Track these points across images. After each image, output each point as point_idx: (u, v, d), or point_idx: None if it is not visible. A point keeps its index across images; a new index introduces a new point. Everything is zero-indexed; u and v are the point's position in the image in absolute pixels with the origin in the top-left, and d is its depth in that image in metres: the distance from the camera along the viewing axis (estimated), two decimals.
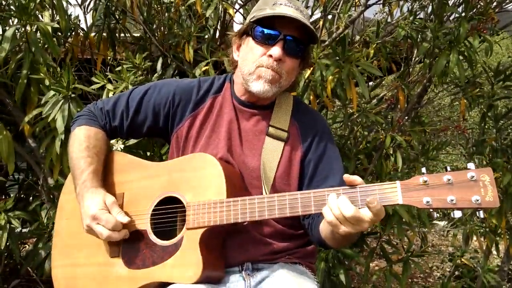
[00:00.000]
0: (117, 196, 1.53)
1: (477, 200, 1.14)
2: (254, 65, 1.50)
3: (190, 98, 1.60)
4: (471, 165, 1.18)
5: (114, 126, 1.63)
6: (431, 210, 1.20)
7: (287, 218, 1.47)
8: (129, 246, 1.47)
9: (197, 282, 1.34)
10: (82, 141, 1.55)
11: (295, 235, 1.57)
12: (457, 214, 1.19)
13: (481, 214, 1.17)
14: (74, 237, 1.56)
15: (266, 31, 1.49)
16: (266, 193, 1.48)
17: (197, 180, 1.44)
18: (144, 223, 1.47)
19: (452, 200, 1.16)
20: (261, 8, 1.52)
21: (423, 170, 1.24)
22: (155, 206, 1.48)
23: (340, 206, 1.22)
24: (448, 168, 1.22)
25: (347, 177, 1.27)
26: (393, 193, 1.22)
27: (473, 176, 1.16)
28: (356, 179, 1.26)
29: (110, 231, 1.40)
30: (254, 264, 1.49)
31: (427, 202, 1.18)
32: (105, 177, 1.56)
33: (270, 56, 1.48)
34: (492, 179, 1.15)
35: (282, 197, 1.33)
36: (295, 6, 1.50)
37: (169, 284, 1.37)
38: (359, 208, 1.22)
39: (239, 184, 1.50)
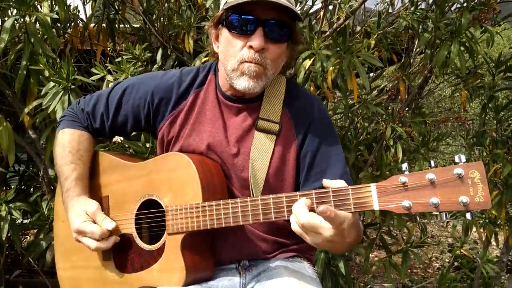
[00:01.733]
0: (102, 199, 1.51)
1: (465, 202, 0.98)
2: (236, 60, 1.36)
3: (170, 96, 1.49)
4: (460, 158, 1.01)
5: (96, 128, 1.58)
6: (412, 214, 1.05)
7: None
8: (119, 249, 1.47)
9: (184, 285, 1.33)
10: (65, 146, 1.52)
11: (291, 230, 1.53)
12: (443, 216, 1.04)
13: (468, 216, 1.01)
14: (70, 240, 1.53)
15: (242, 17, 1.32)
16: (253, 195, 1.40)
17: (173, 182, 1.39)
18: (129, 227, 1.45)
19: (435, 204, 1.00)
20: None
21: (404, 167, 1.08)
22: (138, 209, 1.45)
23: (296, 212, 1.11)
24: (432, 163, 1.08)
25: (326, 183, 1.16)
26: (367, 197, 1.08)
27: (460, 174, 0.99)
28: (334, 184, 1.15)
29: (98, 242, 1.39)
30: (251, 261, 1.47)
31: (406, 207, 1.03)
32: (90, 180, 1.54)
33: (251, 47, 1.32)
34: (483, 176, 0.98)
35: (255, 202, 1.24)
36: None
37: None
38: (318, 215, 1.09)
39: (219, 182, 1.42)
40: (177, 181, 1.38)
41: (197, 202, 1.33)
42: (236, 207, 1.27)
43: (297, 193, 1.18)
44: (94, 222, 1.42)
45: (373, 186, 1.08)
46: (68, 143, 1.52)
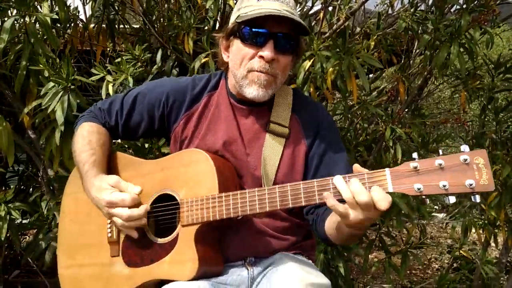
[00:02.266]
0: None
1: (471, 185, 1.08)
2: (245, 68, 1.45)
3: (184, 98, 1.57)
4: (464, 148, 1.13)
5: (111, 126, 1.63)
6: (423, 196, 1.15)
7: (288, 209, 1.47)
8: (128, 245, 1.48)
9: (194, 279, 1.34)
10: (85, 136, 1.55)
11: (296, 226, 1.56)
12: (451, 199, 1.13)
13: (477, 198, 1.11)
14: (76, 238, 1.57)
15: (253, 30, 1.42)
16: None
17: (189, 176, 1.43)
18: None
19: (444, 186, 1.10)
20: (246, 5, 1.46)
21: (414, 155, 1.18)
22: (152, 203, 1.47)
23: (352, 190, 1.16)
24: (440, 152, 1.16)
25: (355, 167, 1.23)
26: (382, 181, 1.17)
27: (466, 159, 1.10)
28: (362, 170, 1.22)
29: (130, 210, 1.37)
30: (257, 258, 1.49)
31: (418, 189, 1.13)
32: None
33: (262, 57, 1.42)
34: (486, 161, 1.09)
35: (272, 190, 1.31)
36: (282, 0, 1.44)
37: (168, 281, 1.37)
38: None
39: (232, 178, 1.48)
40: (194, 175, 1.42)
41: (213, 194, 1.37)
42: (254, 196, 1.32)
43: (314, 180, 1.25)
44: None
45: (387, 171, 1.17)
46: (87, 133, 1.56)
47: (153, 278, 1.41)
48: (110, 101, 1.65)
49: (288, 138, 1.53)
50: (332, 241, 1.45)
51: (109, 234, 1.50)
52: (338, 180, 1.21)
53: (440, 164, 1.12)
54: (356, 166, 1.24)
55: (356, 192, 1.16)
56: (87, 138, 1.54)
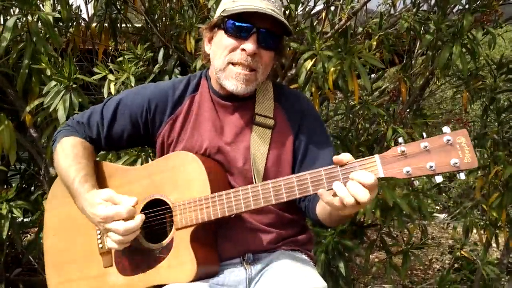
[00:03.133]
0: None
1: (456, 163, 1.13)
2: (225, 60, 1.45)
3: (166, 102, 1.55)
4: (446, 129, 1.17)
5: (92, 139, 1.58)
6: (412, 179, 1.19)
7: (282, 203, 1.47)
8: (121, 254, 1.45)
9: (194, 280, 1.34)
10: (69, 151, 1.51)
11: (291, 220, 1.56)
12: (438, 179, 1.18)
13: (462, 175, 1.16)
14: (64, 253, 1.54)
15: (237, 24, 1.42)
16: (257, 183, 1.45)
17: (178, 178, 1.41)
18: None
19: (431, 167, 1.15)
20: (232, 0, 1.46)
21: (400, 140, 1.22)
22: (142, 210, 1.44)
23: (361, 178, 1.18)
24: (424, 135, 1.21)
25: (335, 158, 1.25)
26: (373, 167, 1.20)
27: (449, 140, 1.14)
28: (343, 158, 1.24)
29: (126, 223, 1.32)
30: (255, 254, 1.49)
31: (407, 172, 1.17)
32: None
33: (244, 50, 1.42)
34: (468, 140, 1.14)
35: (265, 185, 1.30)
36: None
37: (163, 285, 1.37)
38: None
39: (222, 177, 1.47)
40: (183, 177, 1.41)
41: (205, 195, 1.36)
42: (247, 193, 1.32)
43: (306, 172, 1.26)
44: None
45: (377, 157, 1.21)
46: (71, 148, 1.51)
47: (152, 285, 1.39)
48: (89, 113, 1.60)
49: (274, 129, 1.53)
50: (324, 224, 1.46)
51: (100, 245, 1.47)
52: (337, 185, 1.20)
53: (426, 146, 1.16)
54: (336, 158, 1.24)
55: (357, 194, 1.17)
56: (72, 152, 1.50)
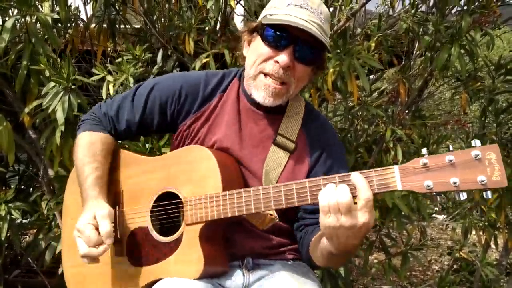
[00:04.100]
0: (116, 194, 1.52)
1: (483, 181, 1.05)
2: (258, 68, 1.42)
3: (197, 94, 1.53)
4: (476, 142, 1.09)
5: (120, 131, 1.59)
6: (433, 193, 1.12)
7: (286, 215, 1.46)
8: (133, 244, 1.47)
9: (200, 278, 1.34)
10: (89, 146, 1.52)
11: (292, 232, 1.55)
12: (462, 196, 1.10)
13: (489, 195, 1.09)
14: None
15: (275, 34, 1.38)
16: None
17: (192, 173, 1.42)
18: (145, 220, 1.46)
19: (455, 183, 1.07)
20: (275, 6, 1.42)
21: (424, 151, 1.14)
22: (154, 202, 1.46)
23: (362, 187, 1.14)
24: (451, 147, 1.14)
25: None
26: (391, 178, 1.14)
27: (478, 155, 1.06)
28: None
29: (88, 248, 1.34)
30: (255, 259, 1.48)
31: (428, 186, 1.10)
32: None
33: (277, 62, 1.38)
34: (499, 157, 1.06)
35: (277, 188, 1.28)
36: (312, 8, 1.39)
37: None
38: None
39: (236, 174, 1.47)
40: (197, 172, 1.41)
41: (217, 192, 1.36)
42: (258, 194, 1.31)
43: (320, 178, 1.22)
44: (97, 229, 1.38)
45: (396, 168, 1.14)
46: (91, 145, 1.53)
47: (159, 277, 1.40)
48: (117, 105, 1.59)
49: (292, 153, 1.50)
50: (313, 260, 1.43)
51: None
52: (360, 181, 1.17)
53: (451, 160, 1.09)
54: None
55: (363, 188, 1.14)
56: (91, 149, 1.51)
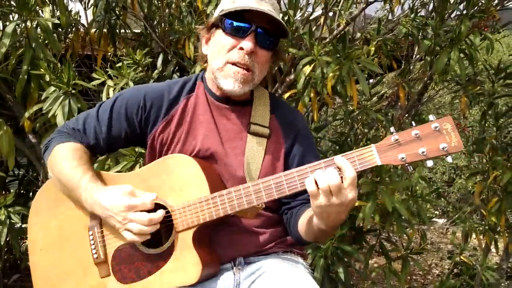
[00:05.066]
0: (91, 215, 1.46)
1: (444, 147, 1.22)
2: (224, 59, 1.46)
3: (162, 102, 1.54)
4: (432, 117, 1.26)
5: (89, 145, 1.55)
6: (406, 164, 1.27)
7: (271, 204, 1.47)
8: (119, 262, 1.43)
9: (199, 281, 1.34)
10: (71, 153, 1.48)
11: (281, 220, 1.56)
12: (429, 163, 1.27)
13: (449, 159, 1.27)
14: (55, 268, 1.49)
15: (236, 23, 1.44)
16: None
17: (176, 181, 1.40)
18: None
19: (423, 152, 1.24)
20: (229, 1, 1.47)
21: (392, 129, 1.31)
22: None
23: (345, 167, 1.24)
24: (413, 124, 1.29)
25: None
26: (370, 156, 1.27)
27: (437, 126, 1.23)
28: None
29: (150, 214, 1.34)
30: (246, 258, 1.48)
31: (402, 158, 1.25)
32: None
33: (241, 49, 1.43)
34: (453, 126, 1.24)
35: (266, 182, 1.33)
36: None
37: None
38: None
39: (217, 178, 1.47)
40: (180, 179, 1.40)
41: (205, 195, 1.36)
42: (248, 190, 1.34)
43: (306, 166, 1.31)
44: None
45: (373, 146, 1.28)
46: (73, 151, 1.49)
47: None
48: (83, 119, 1.57)
49: (269, 138, 1.54)
50: (303, 238, 1.47)
51: (95, 255, 1.44)
52: (343, 161, 1.27)
53: (416, 134, 1.25)
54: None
55: (347, 167, 1.24)
56: (77, 154, 1.49)
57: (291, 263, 1.48)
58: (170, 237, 1.39)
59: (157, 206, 1.42)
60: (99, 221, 1.46)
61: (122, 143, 1.59)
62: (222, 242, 1.46)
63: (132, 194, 1.39)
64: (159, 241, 1.42)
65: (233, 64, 1.45)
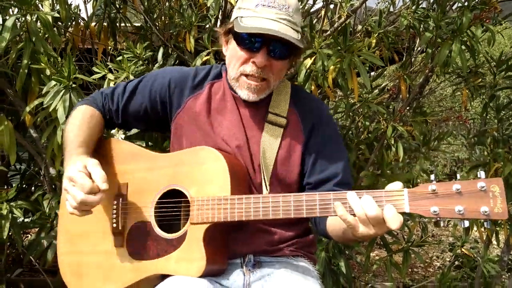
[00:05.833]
0: (121, 186, 1.52)
1: (486, 212, 1.12)
2: (238, 71, 1.49)
3: (186, 84, 1.59)
4: (481, 174, 1.17)
5: (110, 110, 1.63)
6: (438, 219, 1.18)
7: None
8: (133, 236, 1.47)
9: (201, 276, 1.35)
10: (77, 117, 1.56)
11: (295, 222, 1.56)
12: (465, 223, 1.17)
13: (488, 225, 1.18)
14: (77, 224, 1.54)
15: (249, 39, 1.44)
16: (266, 182, 1.48)
17: (201, 174, 1.43)
18: (148, 215, 1.47)
19: (460, 211, 1.14)
20: (244, 8, 1.46)
21: (432, 177, 1.21)
22: (159, 198, 1.47)
23: (363, 205, 1.20)
24: (458, 176, 1.20)
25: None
26: (399, 200, 1.20)
27: (483, 187, 1.14)
28: (395, 187, 1.22)
29: (85, 195, 1.33)
30: (256, 256, 1.49)
31: (434, 211, 1.17)
32: (108, 165, 1.54)
33: (254, 63, 1.45)
34: (502, 190, 1.13)
35: (287, 198, 1.31)
36: (279, 5, 1.43)
37: (170, 275, 1.38)
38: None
39: (243, 177, 1.49)
40: (206, 173, 1.42)
41: (225, 195, 1.37)
42: (267, 202, 1.32)
43: (330, 193, 1.27)
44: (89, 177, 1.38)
45: (405, 191, 1.20)
46: (80, 115, 1.57)
47: (158, 273, 1.41)
48: (114, 87, 1.67)
49: (285, 128, 1.55)
50: (334, 239, 1.48)
51: (114, 225, 1.49)
52: (351, 195, 1.23)
53: (458, 189, 1.16)
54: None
55: (367, 207, 1.19)
56: (79, 119, 1.55)
57: (303, 274, 1.47)
58: (185, 227, 1.41)
59: (174, 194, 1.45)
60: (126, 193, 1.51)
61: (139, 119, 1.64)
62: (233, 237, 1.47)
63: (90, 170, 1.37)
64: (177, 226, 1.44)
65: (247, 76, 1.48)
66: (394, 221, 1.17)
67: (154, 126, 1.71)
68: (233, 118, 1.55)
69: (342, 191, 1.26)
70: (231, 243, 1.47)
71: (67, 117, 2.07)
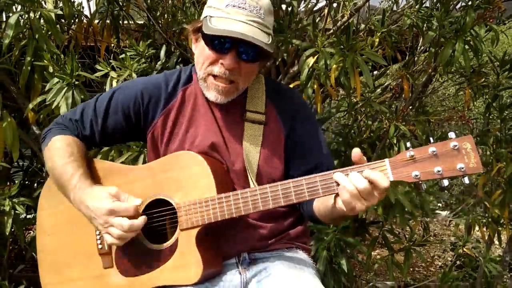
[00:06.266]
0: None
1: (462, 168, 1.18)
2: (206, 71, 1.45)
3: (160, 94, 1.54)
4: (452, 134, 1.22)
5: (85, 136, 1.56)
6: (420, 182, 1.23)
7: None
8: (122, 254, 1.44)
9: (199, 281, 1.34)
10: (64, 148, 1.49)
11: (284, 213, 1.55)
12: (444, 182, 1.23)
13: (466, 179, 1.21)
14: (61, 252, 1.51)
15: (216, 41, 1.39)
16: (253, 181, 1.46)
17: (184, 179, 1.40)
18: None
19: (439, 171, 1.20)
20: (214, 7, 1.41)
21: (408, 144, 1.26)
22: (143, 210, 1.42)
23: (352, 181, 1.21)
24: (431, 140, 1.24)
25: (356, 153, 1.25)
26: (383, 171, 1.23)
27: (456, 145, 1.19)
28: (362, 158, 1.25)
29: (131, 221, 1.32)
30: (251, 254, 1.48)
31: (416, 175, 1.22)
32: None
33: (223, 64, 1.41)
34: (473, 146, 1.19)
35: (274, 187, 1.31)
36: (250, 6, 1.38)
37: (169, 286, 1.37)
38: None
39: (225, 177, 1.47)
40: (189, 178, 1.40)
41: (212, 196, 1.36)
42: (255, 194, 1.32)
43: (317, 175, 1.28)
44: None
45: (386, 161, 1.24)
46: (66, 146, 1.50)
47: (155, 285, 1.38)
48: (81, 110, 1.58)
49: (266, 125, 1.53)
50: (320, 220, 1.47)
51: (100, 246, 1.46)
52: (338, 174, 1.25)
53: (433, 151, 1.21)
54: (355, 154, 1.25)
55: (356, 181, 1.21)
56: (68, 150, 1.48)
57: (298, 266, 1.47)
58: (174, 235, 1.39)
59: (161, 202, 1.42)
60: None
61: (117, 137, 1.60)
62: (226, 236, 1.46)
63: (117, 197, 1.37)
64: (165, 236, 1.42)
65: (215, 77, 1.44)
66: (383, 180, 1.19)
67: (133, 138, 1.69)
68: (208, 122, 1.52)
69: (328, 172, 1.28)
70: (224, 244, 1.46)
71: None
